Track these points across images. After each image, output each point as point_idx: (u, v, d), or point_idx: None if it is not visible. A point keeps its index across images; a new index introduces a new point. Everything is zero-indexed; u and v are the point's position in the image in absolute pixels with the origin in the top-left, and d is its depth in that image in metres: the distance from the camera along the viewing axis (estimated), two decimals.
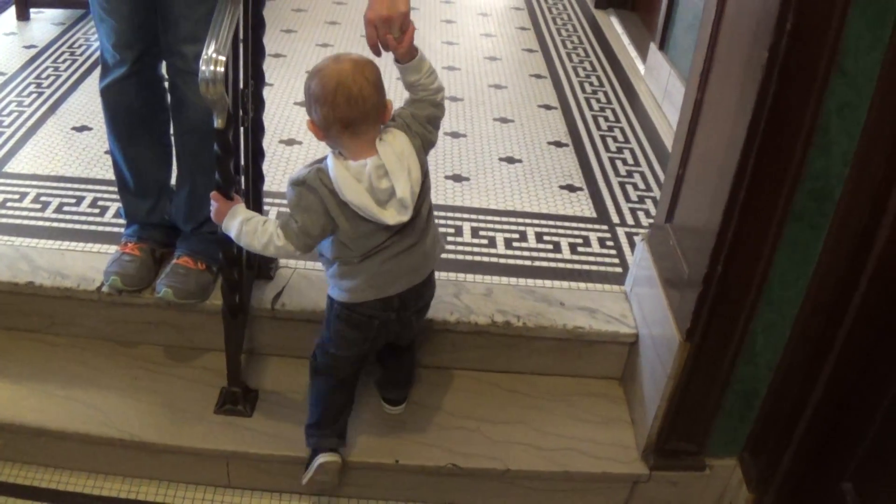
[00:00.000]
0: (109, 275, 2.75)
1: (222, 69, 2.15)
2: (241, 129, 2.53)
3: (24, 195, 3.30)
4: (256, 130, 2.68)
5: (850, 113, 2.06)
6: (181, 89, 2.67)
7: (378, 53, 2.22)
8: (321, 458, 2.49)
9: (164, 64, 2.74)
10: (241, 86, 2.49)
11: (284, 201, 3.27)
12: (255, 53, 2.59)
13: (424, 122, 2.26)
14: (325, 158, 2.20)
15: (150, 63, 2.72)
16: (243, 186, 2.61)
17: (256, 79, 2.61)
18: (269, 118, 2.79)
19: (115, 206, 3.23)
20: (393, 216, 2.17)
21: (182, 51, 2.59)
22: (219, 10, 2.28)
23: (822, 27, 1.96)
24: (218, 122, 2.24)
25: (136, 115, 2.78)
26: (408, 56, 2.22)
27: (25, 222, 3.14)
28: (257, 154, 2.73)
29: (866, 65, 2.00)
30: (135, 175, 2.88)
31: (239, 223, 2.26)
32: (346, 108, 2.10)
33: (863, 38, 1.97)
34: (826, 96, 2.03)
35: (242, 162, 2.60)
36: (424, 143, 2.26)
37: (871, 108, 2.04)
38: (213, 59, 2.15)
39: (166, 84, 2.75)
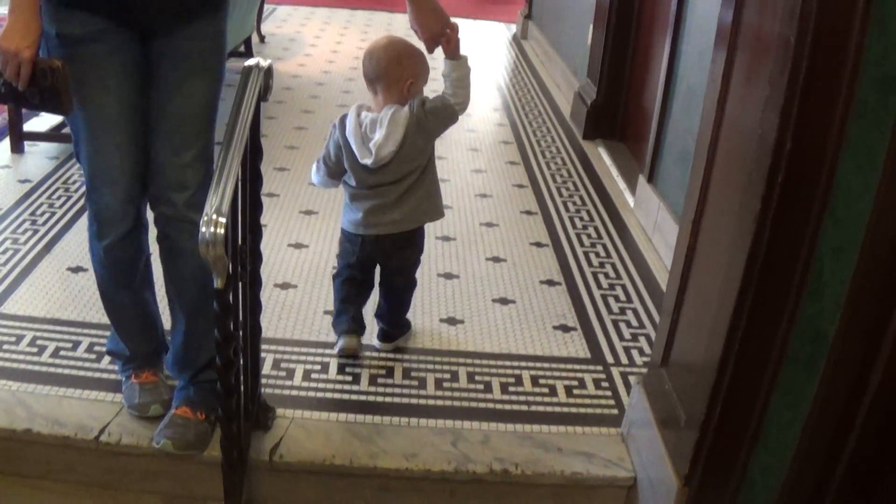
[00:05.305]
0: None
1: (222, 231, 2.15)
2: (240, 284, 2.52)
3: (20, 338, 3.30)
4: (254, 284, 2.69)
5: (843, 256, 2.09)
6: (172, 238, 2.69)
7: (431, 51, 2.87)
8: (340, 342, 3.23)
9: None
10: (240, 241, 2.49)
11: (282, 347, 3.30)
12: (253, 208, 2.61)
13: (433, 119, 2.96)
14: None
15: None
16: (240, 343, 2.61)
17: (254, 233, 2.64)
18: (263, 261, 2.79)
19: None
20: (368, 159, 2.93)
21: (171, 198, 2.61)
22: (218, 166, 2.29)
23: (814, 176, 2.01)
24: (218, 283, 2.24)
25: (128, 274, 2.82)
26: (456, 55, 2.91)
27: (22, 366, 3.13)
28: (255, 308, 2.73)
29: (856, 210, 2.04)
30: (128, 342, 2.94)
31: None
32: (367, 66, 2.97)
33: (853, 184, 2.02)
34: (819, 241, 2.08)
35: (240, 317, 2.58)
36: (423, 128, 2.96)
37: (862, 252, 2.07)
38: (213, 220, 2.15)
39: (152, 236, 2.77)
